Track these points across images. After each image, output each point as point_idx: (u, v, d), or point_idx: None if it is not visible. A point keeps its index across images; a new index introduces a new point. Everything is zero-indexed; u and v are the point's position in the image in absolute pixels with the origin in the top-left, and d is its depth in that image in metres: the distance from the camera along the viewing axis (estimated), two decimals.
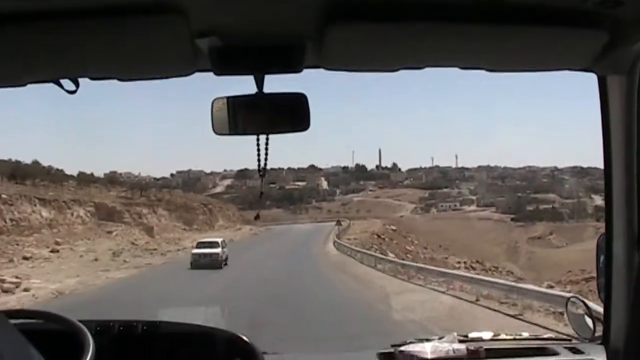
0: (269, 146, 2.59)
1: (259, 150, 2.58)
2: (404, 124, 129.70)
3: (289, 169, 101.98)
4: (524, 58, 2.52)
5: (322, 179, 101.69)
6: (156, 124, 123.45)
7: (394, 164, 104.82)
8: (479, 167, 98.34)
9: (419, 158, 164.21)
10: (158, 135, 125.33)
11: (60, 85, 2.44)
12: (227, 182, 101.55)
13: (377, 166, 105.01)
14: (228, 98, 2.56)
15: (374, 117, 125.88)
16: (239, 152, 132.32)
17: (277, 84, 2.52)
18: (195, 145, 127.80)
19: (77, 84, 2.46)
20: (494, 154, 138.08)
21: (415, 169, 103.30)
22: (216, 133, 2.58)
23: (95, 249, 46.58)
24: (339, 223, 69.24)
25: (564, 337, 3.73)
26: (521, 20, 2.19)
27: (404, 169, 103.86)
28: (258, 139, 2.57)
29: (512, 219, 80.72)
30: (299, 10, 2.17)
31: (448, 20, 2.17)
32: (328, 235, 63.09)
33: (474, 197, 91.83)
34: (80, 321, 2.63)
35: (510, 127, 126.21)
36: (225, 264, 38.83)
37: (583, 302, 3.36)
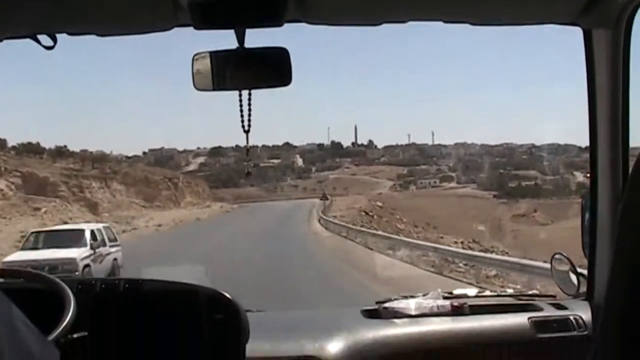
0: (251, 102, 2.52)
1: (242, 107, 2.52)
2: (380, 101, 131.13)
3: (263, 146, 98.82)
4: (509, 11, 2.45)
5: (297, 156, 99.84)
6: (129, 101, 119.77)
7: (370, 141, 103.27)
8: (456, 144, 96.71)
9: (395, 135, 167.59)
10: (131, 112, 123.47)
11: (38, 41, 2.35)
12: (201, 159, 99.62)
13: (353, 143, 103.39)
14: (210, 53, 2.49)
15: (349, 93, 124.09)
16: (213, 130, 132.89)
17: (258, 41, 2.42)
18: (168, 122, 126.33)
19: (54, 40, 2.37)
20: (470, 131, 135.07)
21: (392, 146, 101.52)
22: (197, 88, 2.52)
23: (4, 230, 36.31)
24: (324, 197, 62.45)
25: (549, 294, 3.55)
26: None
27: (380, 146, 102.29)
28: (240, 94, 2.50)
29: (494, 196, 77.60)
30: None
31: None
32: (310, 212, 57.00)
33: (453, 174, 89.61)
34: (61, 279, 2.57)
35: (487, 104, 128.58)
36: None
37: (567, 258, 3.21)
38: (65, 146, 67.31)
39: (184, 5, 2.21)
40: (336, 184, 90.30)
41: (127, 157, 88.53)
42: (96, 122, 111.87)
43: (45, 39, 2.36)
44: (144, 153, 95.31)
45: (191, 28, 2.39)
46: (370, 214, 56.69)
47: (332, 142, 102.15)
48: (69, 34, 2.39)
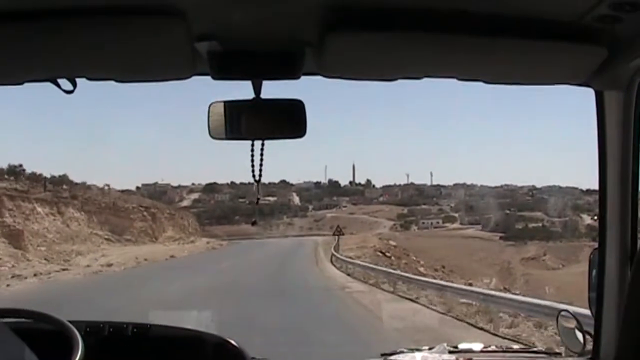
0: (264, 153, 2.50)
1: (253, 156, 2.52)
2: (378, 140, 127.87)
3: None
4: (522, 71, 2.47)
5: (294, 194, 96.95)
6: (125, 134, 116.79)
7: (368, 180, 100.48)
8: (455, 184, 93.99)
9: (393, 175, 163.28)
10: (127, 146, 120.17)
11: (58, 85, 2.37)
12: (195, 195, 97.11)
13: (350, 182, 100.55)
14: (225, 102, 2.49)
15: (347, 132, 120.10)
16: (208, 166, 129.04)
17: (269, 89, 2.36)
18: (163, 157, 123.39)
19: (74, 84, 2.39)
20: (469, 172, 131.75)
21: (390, 186, 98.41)
22: (212, 137, 2.50)
23: None
24: (338, 232, 50.22)
25: (555, 351, 3.59)
26: (520, 33, 2.16)
27: (378, 186, 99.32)
28: (253, 145, 2.50)
29: (500, 238, 73.52)
30: (299, 17, 2.14)
31: (447, 32, 2.13)
32: (316, 251, 48.75)
33: (456, 215, 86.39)
34: (70, 322, 2.60)
35: (486, 145, 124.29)
36: None
37: (574, 316, 3.15)
38: (20, 165, 54.17)
39: (203, 55, 2.26)
40: (334, 222, 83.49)
41: (119, 191, 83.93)
42: (93, 156, 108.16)
43: (65, 83, 2.37)
44: (137, 188, 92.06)
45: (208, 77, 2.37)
46: (388, 254, 48.50)
47: (330, 180, 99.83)
48: (89, 79, 2.38)
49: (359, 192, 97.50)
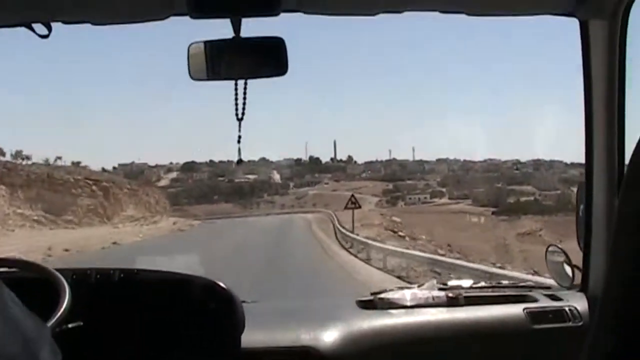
0: (247, 92, 2.48)
1: (237, 96, 2.48)
2: (359, 116, 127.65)
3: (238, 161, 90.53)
4: (505, 1, 2.46)
5: (274, 171, 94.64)
6: (100, 113, 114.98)
7: (350, 157, 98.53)
8: (438, 160, 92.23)
9: (375, 150, 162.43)
10: (103, 125, 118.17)
11: (32, 29, 2.33)
12: (173, 175, 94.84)
13: (332, 159, 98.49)
14: (205, 42, 2.45)
15: (327, 108, 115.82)
16: (186, 144, 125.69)
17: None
18: (140, 136, 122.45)
19: (49, 28, 2.35)
20: (451, 147, 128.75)
21: (373, 162, 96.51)
22: (193, 78, 2.47)
23: None
24: (353, 204, 36.44)
25: (544, 285, 3.47)
26: None
27: (360, 162, 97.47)
28: (236, 84, 2.46)
29: (493, 213, 69.67)
30: None
31: None
32: (314, 234, 39.05)
33: (443, 189, 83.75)
34: (56, 269, 2.59)
35: (468, 119, 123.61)
36: None
37: (562, 250, 3.17)
38: None
39: None
40: (316, 200, 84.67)
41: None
42: (67, 134, 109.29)
43: (40, 28, 2.32)
44: (114, 168, 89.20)
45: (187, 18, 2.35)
46: (401, 234, 41.63)
47: (311, 157, 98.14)
48: (64, 22, 2.36)
49: (341, 169, 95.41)
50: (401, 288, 3.19)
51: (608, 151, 2.71)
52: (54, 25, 2.34)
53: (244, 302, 2.86)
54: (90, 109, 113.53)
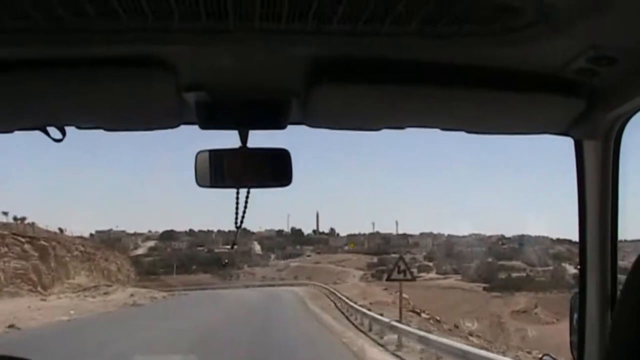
0: (248, 201, 2.52)
1: (238, 204, 2.51)
2: (342, 189, 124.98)
3: (218, 231, 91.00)
4: (503, 121, 2.52)
5: (255, 242, 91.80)
6: (80, 179, 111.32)
7: (332, 229, 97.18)
8: (422, 233, 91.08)
9: (357, 224, 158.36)
10: (83, 192, 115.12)
11: (47, 134, 2.39)
12: (151, 243, 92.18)
13: (314, 231, 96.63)
14: (211, 151, 2.50)
15: (310, 180, 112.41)
16: (165, 213, 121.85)
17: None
18: (119, 204, 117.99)
19: (63, 132, 2.41)
20: (435, 221, 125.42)
21: (355, 235, 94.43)
22: (199, 185, 2.50)
23: None
24: (405, 273, 25.19)
25: None
26: (501, 85, 2.20)
27: (342, 234, 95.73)
28: (238, 193, 2.50)
29: (484, 289, 67.77)
30: (285, 69, 2.15)
31: (430, 84, 2.17)
32: (315, 316, 30.06)
33: (430, 264, 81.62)
34: None
35: (452, 195, 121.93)
36: None
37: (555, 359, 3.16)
38: None
39: (191, 105, 2.27)
40: (298, 272, 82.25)
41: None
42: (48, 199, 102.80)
43: (54, 132, 2.38)
44: (91, 235, 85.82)
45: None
46: (425, 315, 34.45)
47: (292, 228, 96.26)
48: (78, 127, 2.41)
49: (323, 241, 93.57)
50: None
51: (601, 264, 2.72)
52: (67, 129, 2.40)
53: None
54: (69, 175, 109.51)
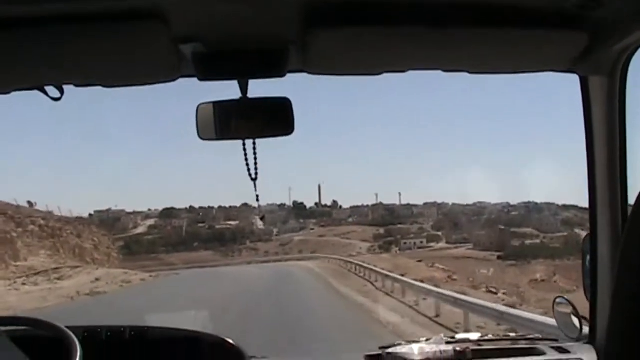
0: (257, 151, 2.51)
1: (246, 155, 2.52)
2: (344, 160, 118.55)
3: (219, 207, 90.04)
4: (506, 60, 2.50)
5: (257, 217, 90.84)
6: (78, 159, 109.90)
7: (335, 202, 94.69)
8: (426, 203, 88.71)
9: (360, 195, 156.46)
10: (81, 171, 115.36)
11: (45, 92, 2.38)
12: (151, 222, 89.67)
13: (316, 204, 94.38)
14: (213, 103, 2.49)
15: (312, 152, 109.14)
16: (165, 190, 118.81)
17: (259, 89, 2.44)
18: (118, 182, 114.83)
19: (61, 91, 2.40)
20: (439, 191, 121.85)
21: (359, 206, 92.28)
22: (202, 138, 2.51)
23: None
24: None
25: (552, 337, 3.31)
26: (502, 22, 2.18)
27: (345, 207, 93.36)
28: (244, 144, 2.51)
29: (498, 257, 63.41)
30: (281, 15, 2.14)
31: (430, 24, 2.14)
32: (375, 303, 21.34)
33: (439, 233, 79.31)
34: (67, 327, 2.57)
35: (455, 163, 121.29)
36: None
37: (569, 302, 3.17)
38: None
39: (188, 57, 2.27)
40: (302, 246, 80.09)
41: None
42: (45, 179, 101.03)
43: (52, 91, 2.37)
44: (90, 215, 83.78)
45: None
46: (500, 293, 29.79)
47: (295, 202, 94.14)
48: (76, 85, 2.39)
49: (326, 214, 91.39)
50: (409, 342, 3.12)
51: (611, 203, 2.72)
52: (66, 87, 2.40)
53: (253, 357, 2.90)
54: (67, 154, 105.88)
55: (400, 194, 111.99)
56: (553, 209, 78.97)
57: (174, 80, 2.40)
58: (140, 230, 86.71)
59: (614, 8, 2.16)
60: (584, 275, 2.93)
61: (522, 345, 3.19)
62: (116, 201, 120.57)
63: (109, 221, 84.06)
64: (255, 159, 2.49)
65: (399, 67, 2.44)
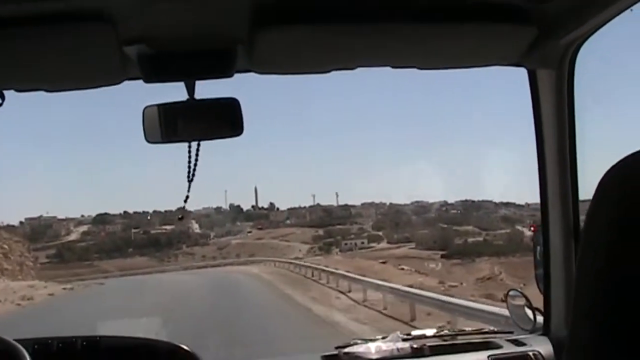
0: (199, 154, 2.45)
1: (190, 158, 2.47)
2: (280, 162, 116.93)
3: (154, 212, 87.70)
4: (455, 54, 2.48)
5: (193, 221, 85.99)
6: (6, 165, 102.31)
7: (272, 204, 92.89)
8: (363, 204, 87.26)
9: (297, 197, 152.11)
10: (9, 178, 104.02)
11: None
12: (84, 228, 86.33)
13: (253, 206, 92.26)
14: (159, 105, 2.42)
15: (247, 154, 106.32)
16: (98, 195, 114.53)
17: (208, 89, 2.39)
18: (49, 188, 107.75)
19: (2, 97, 2.29)
20: (375, 191, 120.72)
21: (296, 208, 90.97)
22: (148, 141, 2.43)
23: None
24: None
25: (506, 330, 3.33)
26: (451, 17, 2.16)
27: (282, 208, 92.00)
28: (190, 147, 2.46)
29: (442, 256, 61.91)
30: (227, 15, 2.12)
31: (376, 21, 2.12)
32: None
33: (380, 233, 77.37)
34: (17, 340, 2.50)
35: (391, 163, 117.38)
36: None
37: (522, 294, 3.20)
38: None
39: (133, 59, 2.19)
40: (240, 250, 78.40)
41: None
42: None
43: None
44: (21, 222, 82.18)
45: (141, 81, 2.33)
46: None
47: (231, 205, 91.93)
48: (17, 90, 2.29)
49: (264, 216, 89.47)
50: (365, 341, 3.09)
51: (562, 195, 2.76)
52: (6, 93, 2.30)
53: None
54: None
55: (337, 194, 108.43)
56: (491, 206, 78.81)
57: (119, 82, 2.32)
58: (73, 237, 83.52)
59: (561, 1, 2.15)
60: (536, 267, 2.95)
61: (478, 339, 3.18)
62: (47, 208, 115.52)
63: (40, 228, 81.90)
64: (196, 161, 2.43)
65: (347, 65, 2.38)
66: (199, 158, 2.42)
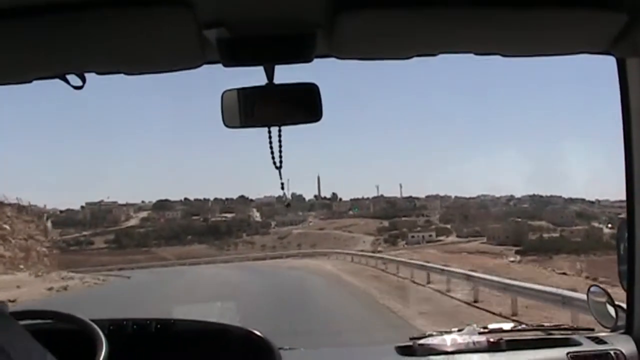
0: (282, 138, 2.43)
1: (271, 143, 2.44)
2: (343, 151, 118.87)
3: (215, 199, 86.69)
4: (540, 41, 2.35)
5: (254, 210, 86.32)
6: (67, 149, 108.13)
7: (334, 194, 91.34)
8: (428, 196, 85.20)
9: (360, 187, 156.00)
10: (73, 163, 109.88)
11: (67, 81, 2.32)
12: (144, 214, 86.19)
13: (315, 196, 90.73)
14: (238, 90, 2.42)
15: (310, 143, 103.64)
16: (158, 182, 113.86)
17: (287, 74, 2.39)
18: (110, 174, 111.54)
19: (83, 79, 2.33)
20: (440, 183, 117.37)
21: (359, 199, 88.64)
22: (227, 126, 2.44)
23: None
24: None
25: (587, 327, 3.23)
26: (537, 1, 2.08)
27: (345, 199, 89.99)
28: (270, 132, 2.43)
29: (516, 252, 57.55)
30: None
31: (461, 5, 2.06)
32: None
33: (448, 226, 75.26)
34: (92, 320, 2.56)
35: (457, 156, 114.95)
36: None
37: (605, 290, 3.10)
38: None
39: (212, 43, 2.19)
40: (301, 239, 76.23)
41: (60, 211, 78.43)
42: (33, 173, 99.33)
43: (74, 79, 2.31)
44: (82, 207, 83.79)
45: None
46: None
47: (293, 194, 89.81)
48: (98, 73, 2.33)
49: (326, 206, 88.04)
50: (441, 333, 3.04)
51: None
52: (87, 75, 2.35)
53: (281, 349, 2.82)
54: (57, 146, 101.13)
55: (401, 185, 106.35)
56: (560, 201, 76.62)
57: (198, 66, 2.34)
58: (132, 222, 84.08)
59: None
60: (619, 263, 2.84)
61: (557, 335, 3.14)
62: (108, 193, 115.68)
63: (100, 213, 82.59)
64: (280, 146, 2.41)
65: (429, 51, 2.33)
66: (282, 143, 2.38)
